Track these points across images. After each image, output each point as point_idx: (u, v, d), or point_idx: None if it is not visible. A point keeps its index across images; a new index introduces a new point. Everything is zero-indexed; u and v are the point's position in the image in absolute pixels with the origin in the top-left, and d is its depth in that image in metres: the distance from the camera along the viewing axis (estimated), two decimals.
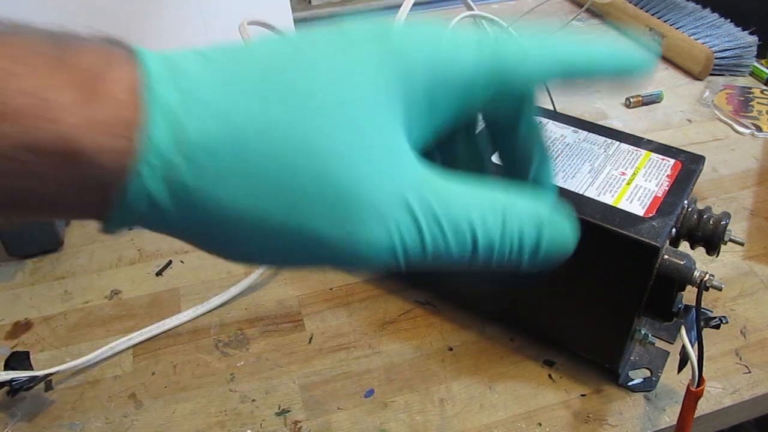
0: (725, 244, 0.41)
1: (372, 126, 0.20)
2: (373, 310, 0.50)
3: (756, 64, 0.81)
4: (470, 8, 0.64)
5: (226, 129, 0.19)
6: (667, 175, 0.42)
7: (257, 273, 0.53)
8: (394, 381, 0.45)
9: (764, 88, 0.78)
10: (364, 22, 0.22)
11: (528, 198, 0.23)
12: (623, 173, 0.42)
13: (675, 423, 0.41)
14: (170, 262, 0.55)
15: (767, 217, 0.59)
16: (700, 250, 0.43)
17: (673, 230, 0.39)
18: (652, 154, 0.44)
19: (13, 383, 0.42)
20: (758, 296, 0.51)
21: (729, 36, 0.81)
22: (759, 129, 0.71)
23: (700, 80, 0.80)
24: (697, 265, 0.39)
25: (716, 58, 0.79)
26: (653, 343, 0.44)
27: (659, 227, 0.37)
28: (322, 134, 0.19)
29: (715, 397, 0.44)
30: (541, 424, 0.42)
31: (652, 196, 0.40)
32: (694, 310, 0.39)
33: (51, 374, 0.44)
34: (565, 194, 0.40)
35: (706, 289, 0.38)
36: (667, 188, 0.41)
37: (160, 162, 0.18)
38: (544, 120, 0.47)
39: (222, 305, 0.51)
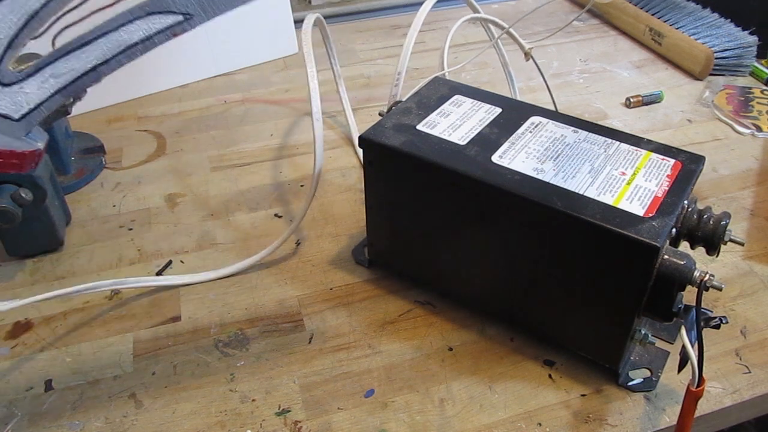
0: (725, 244, 0.41)
1: None
2: (373, 310, 0.50)
3: (756, 64, 0.81)
4: (476, 11, 0.64)
5: None
6: (667, 175, 0.42)
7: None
8: (394, 381, 0.45)
9: (764, 88, 0.78)
10: None
11: None
12: (623, 173, 0.42)
13: (675, 423, 0.41)
14: (170, 262, 0.55)
15: (767, 217, 0.59)
16: (700, 250, 0.43)
17: (673, 230, 0.39)
18: (652, 154, 0.44)
19: None
20: (758, 296, 0.51)
21: (729, 36, 0.81)
22: (759, 129, 0.71)
23: (700, 80, 0.80)
24: (697, 265, 0.39)
25: (716, 58, 0.79)
26: (653, 343, 0.44)
27: (659, 227, 0.37)
28: None
29: (715, 397, 0.44)
30: (541, 424, 0.42)
31: (652, 196, 0.40)
32: (694, 310, 0.39)
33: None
34: (565, 194, 0.40)
35: (706, 289, 0.38)
36: (667, 188, 0.41)
37: None
38: (545, 120, 0.47)
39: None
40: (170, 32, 0.27)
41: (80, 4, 0.27)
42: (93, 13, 0.27)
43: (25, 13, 0.26)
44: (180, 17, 0.27)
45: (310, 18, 0.56)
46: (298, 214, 0.59)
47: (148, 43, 0.27)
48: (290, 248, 0.56)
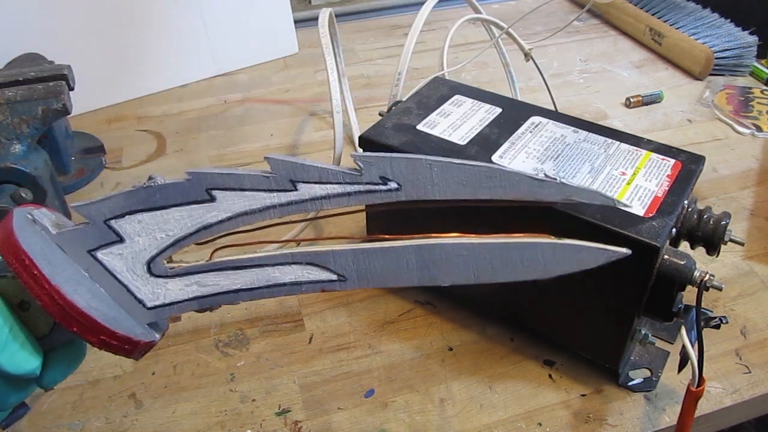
0: (725, 244, 0.41)
1: None
2: (373, 310, 0.50)
3: (756, 64, 0.81)
4: (477, 11, 0.64)
5: None
6: (667, 175, 0.42)
7: None
8: (394, 381, 0.45)
9: (764, 88, 0.78)
10: None
11: None
12: (623, 173, 0.42)
13: (675, 423, 0.41)
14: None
15: (767, 217, 0.59)
16: (700, 250, 0.43)
17: (673, 230, 0.39)
18: (652, 154, 0.44)
19: None
20: (758, 296, 0.51)
21: (729, 36, 0.81)
22: (759, 129, 0.71)
23: (700, 80, 0.80)
24: (697, 265, 0.39)
25: (716, 58, 0.79)
26: (653, 343, 0.44)
27: (659, 227, 0.37)
28: None
29: (715, 397, 0.44)
30: (541, 424, 0.42)
31: (652, 196, 0.40)
32: (694, 310, 0.39)
33: None
34: None
35: (706, 289, 0.38)
36: (667, 188, 0.41)
37: None
38: (545, 120, 0.47)
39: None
40: (320, 287, 0.29)
41: (250, 230, 0.29)
42: (257, 243, 0.30)
43: (200, 223, 0.28)
44: (334, 276, 0.28)
45: (325, 12, 0.57)
46: None
47: (294, 287, 0.29)
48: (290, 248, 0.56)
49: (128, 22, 0.76)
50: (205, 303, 0.29)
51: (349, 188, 0.28)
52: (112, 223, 0.27)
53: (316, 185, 0.28)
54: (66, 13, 0.71)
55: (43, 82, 0.56)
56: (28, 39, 0.69)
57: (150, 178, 0.27)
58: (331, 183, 0.28)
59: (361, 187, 0.28)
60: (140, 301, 0.28)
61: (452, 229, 0.46)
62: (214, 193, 0.28)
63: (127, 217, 0.27)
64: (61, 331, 0.28)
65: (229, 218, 0.28)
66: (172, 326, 0.49)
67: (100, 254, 0.28)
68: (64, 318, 0.26)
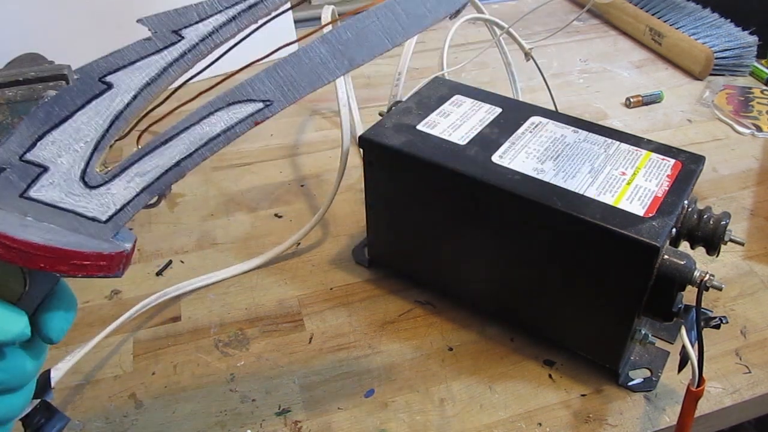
0: (725, 244, 0.41)
1: None
2: (373, 310, 0.50)
3: (756, 64, 0.81)
4: (480, 11, 0.64)
5: None
6: (667, 175, 0.42)
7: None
8: (394, 381, 0.45)
9: (764, 88, 0.78)
10: None
11: None
12: (623, 173, 0.42)
13: (675, 423, 0.41)
14: (170, 262, 0.55)
15: (767, 217, 0.59)
16: (700, 250, 0.43)
17: (673, 230, 0.39)
18: (652, 154, 0.44)
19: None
20: (758, 296, 0.51)
21: (729, 36, 0.81)
22: (759, 129, 0.71)
23: (700, 80, 0.80)
24: (697, 265, 0.39)
25: (716, 58, 0.79)
26: (653, 343, 0.44)
27: (659, 227, 0.37)
28: None
29: (715, 397, 0.44)
30: (541, 424, 0.42)
31: (652, 196, 0.40)
32: (694, 310, 0.39)
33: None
34: (565, 194, 0.40)
35: (706, 289, 0.38)
36: (667, 188, 0.41)
37: None
38: (545, 120, 0.47)
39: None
40: (251, 120, 0.28)
41: (163, 101, 0.28)
42: (175, 109, 0.28)
43: (110, 115, 0.27)
44: (260, 104, 0.28)
45: (328, 9, 0.57)
46: (324, 203, 0.59)
47: (229, 133, 0.28)
48: (290, 248, 0.56)
49: (128, 22, 0.76)
50: (154, 190, 0.28)
51: (231, 12, 0.27)
52: (28, 156, 0.26)
53: (199, 24, 0.27)
54: (66, 13, 0.71)
55: (43, 82, 0.56)
56: (28, 39, 0.69)
57: (42, 98, 0.27)
58: (212, 15, 0.27)
59: (242, 5, 0.27)
60: (93, 219, 0.27)
61: (454, 224, 0.46)
62: (108, 78, 0.27)
63: (38, 143, 0.26)
64: (37, 283, 0.27)
65: (135, 96, 0.27)
66: (172, 326, 0.49)
67: (32, 193, 0.26)
68: (26, 259, 0.25)
